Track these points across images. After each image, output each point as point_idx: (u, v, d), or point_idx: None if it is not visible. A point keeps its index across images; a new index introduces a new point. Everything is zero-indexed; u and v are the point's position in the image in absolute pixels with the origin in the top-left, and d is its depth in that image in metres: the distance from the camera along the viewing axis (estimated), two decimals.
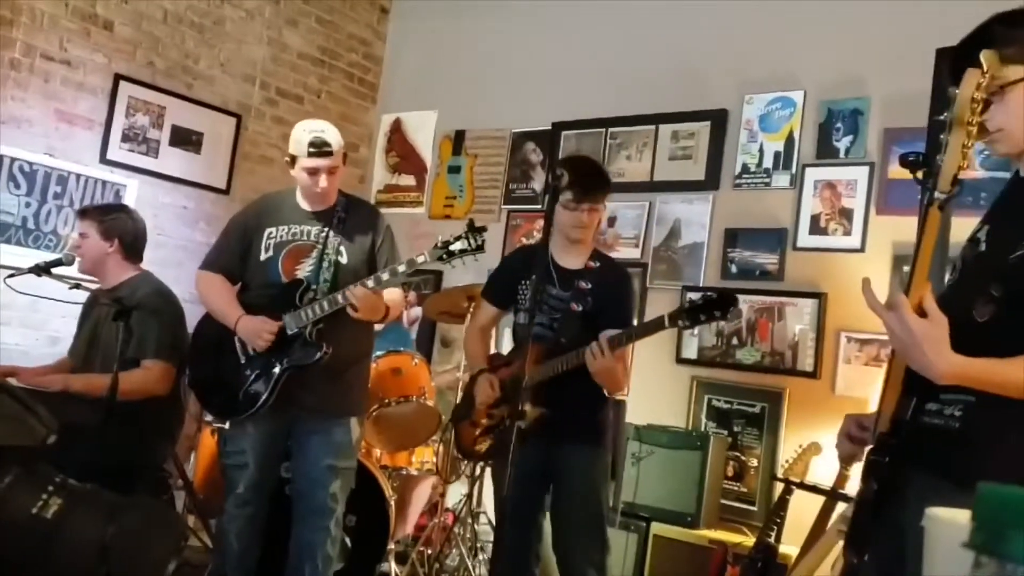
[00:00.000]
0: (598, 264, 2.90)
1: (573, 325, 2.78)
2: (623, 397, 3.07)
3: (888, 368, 1.59)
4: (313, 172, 2.89)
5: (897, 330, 1.44)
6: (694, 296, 2.59)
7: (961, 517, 0.98)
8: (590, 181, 2.81)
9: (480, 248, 2.74)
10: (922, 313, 1.43)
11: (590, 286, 2.84)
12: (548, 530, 2.89)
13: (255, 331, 2.82)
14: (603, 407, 2.86)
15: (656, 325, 2.60)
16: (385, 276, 2.78)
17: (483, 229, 2.76)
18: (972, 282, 1.51)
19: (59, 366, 3.43)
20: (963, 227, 3.68)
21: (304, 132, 2.91)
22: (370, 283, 2.77)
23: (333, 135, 2.92)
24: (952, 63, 1.62)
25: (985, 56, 1.43)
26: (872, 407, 1.76)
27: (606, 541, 2.82)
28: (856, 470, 2.97)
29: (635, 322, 2.88)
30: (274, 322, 2.83)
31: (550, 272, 2.86)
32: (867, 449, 1.71)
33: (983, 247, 1.58)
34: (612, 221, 4.52)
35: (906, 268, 3.55)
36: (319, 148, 2.87)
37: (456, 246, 2.74)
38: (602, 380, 2.67)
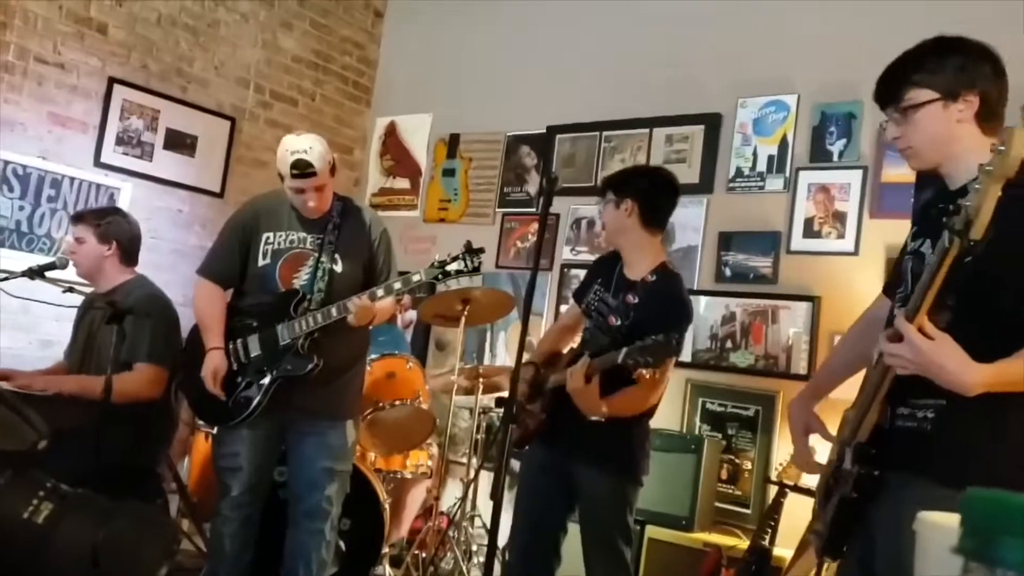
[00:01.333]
0: (655, 278, 2.73)
1: (602, 339, 2.69)
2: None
3: (879, 380, 1.65)
4: (299, 191, 2.89)
5: (910, 355, 1.53)
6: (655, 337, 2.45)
7: (951, 521, 0.98)
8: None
9: (476, 270, 2.77)
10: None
11: (637, 300, 2.70)
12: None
13: (209, 373, 2.84)
14: (623, 430, 2.64)
15: (613, 359, 2.47)
16: (380, 292, 2.80)
17: (480, 251, 2.78)
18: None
19: (55, 370, 3.41)
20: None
21: (287, 152, 2.86)
22: (365, 298, 2.78)
23: (316, 153, 2.85)
24: (880, 85, 1.78)
25: None
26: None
27: (621, 566, 2.70)
28: None
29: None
30: (220, 386, 2.84)
31: (613, 279, 2.80)
32: (833, 453, 1.81)
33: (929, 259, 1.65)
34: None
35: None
36: (302, 170, 2.83)
37: (452, 267, 2.75)
38: (576, 401, 2.55)
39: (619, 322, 2.70)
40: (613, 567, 2.69)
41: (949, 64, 1.70)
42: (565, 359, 2.84)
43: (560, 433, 2.70)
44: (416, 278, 2.77)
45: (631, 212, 2.75)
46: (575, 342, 3.00)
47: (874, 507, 1.68)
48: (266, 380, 2.85)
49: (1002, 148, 1.41)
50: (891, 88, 1.76)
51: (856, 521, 1.71)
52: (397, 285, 2.80)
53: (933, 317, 1.53)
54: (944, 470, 1.57)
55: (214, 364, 2.86)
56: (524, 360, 2.95)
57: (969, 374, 1.51)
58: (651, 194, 2.79)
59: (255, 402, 2.85)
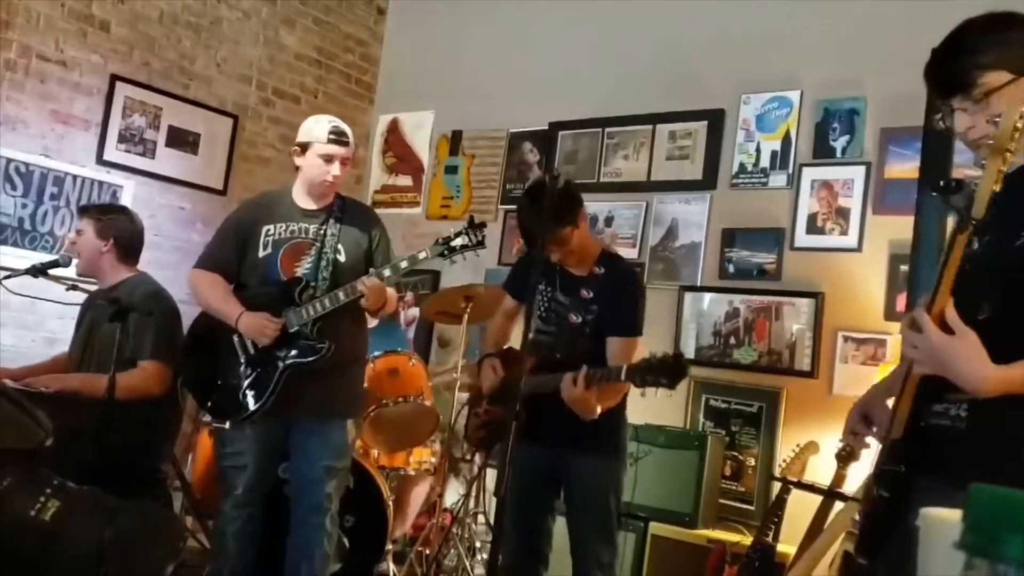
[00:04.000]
0: (603, 270, 2.79)
1: (569, 340, 2.72)
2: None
3: (905, 376, 1.58)
4: (329, 159, 2.91)
5: (926, 348, 1.45)
6: (657, 353, 2.49)
7: (954, 517, 0.98)
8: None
9: (480, 244, 2.76)
10: (946, 329, 1.43)
11: (592, 294, 2.75)
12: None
13: (259, 328, 2.82)
14: (614, 416, 2.78)
15: (615, 376, 2.53)
16: (387, 272, 2.80)
17: (483, 225, 2.78)
18: (969, 282, 1.50)
19: (55, 363, 3.42)
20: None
21: (323, 122, 2.96)
22: (372, 278, 2.78)
23: (348, 129, 3.00)
24: (930, 73, 1.63)
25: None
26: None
27: (614, 544, 2.80)
28: (852, 468, 3.00)
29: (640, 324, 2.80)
30: (277, 319, 2.83)
31: (556, 277, 2.81)
32: (877, 453, 1.72)
33: (976, 246, 1.57)
34: (609, 221, 4.53)
35: (903, 268, 3.57)
36: (339, 136, 2.92)
37: (457, 242, 2.75)
38: (573, 408, 2.60)
39: (579, 319, 2.75)
40: (611, 550, 2.78)
41: (1013, 39, 1.55)
42: (524, 361, 2.81)
43: (546, 428, 2.66)
44: (422, 255, 2.76)
45: (583, 221, 2.76)
46: (516, 330, 3.05)
47: (909, 514, 1.61)
48: (278, 369, 2.83)
49: (998, 119, 1.38)
50: (957, 76, 1.57)
51: (887, 522, 1.60)
52: (403, 264, 2.79)
53: (973, 310, 1.45)
54: (976, 478, 1.50)
55: (256, 322, 2.82)
56: (486, 354, 3.03)
57: (982, 373, 1.40)
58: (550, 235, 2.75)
59: (267, 394, 2.83)
